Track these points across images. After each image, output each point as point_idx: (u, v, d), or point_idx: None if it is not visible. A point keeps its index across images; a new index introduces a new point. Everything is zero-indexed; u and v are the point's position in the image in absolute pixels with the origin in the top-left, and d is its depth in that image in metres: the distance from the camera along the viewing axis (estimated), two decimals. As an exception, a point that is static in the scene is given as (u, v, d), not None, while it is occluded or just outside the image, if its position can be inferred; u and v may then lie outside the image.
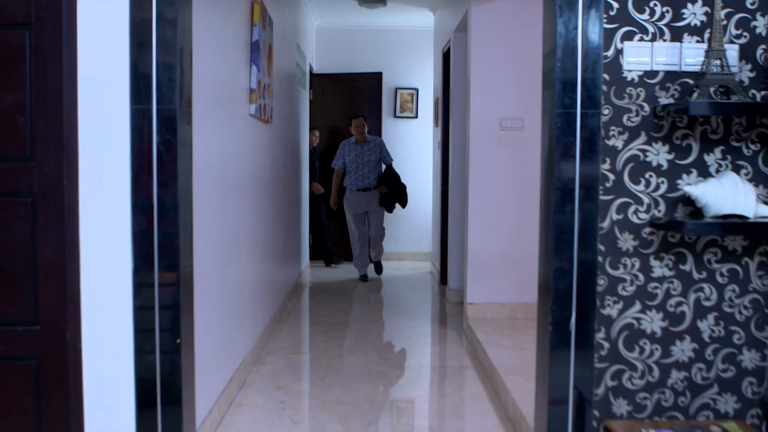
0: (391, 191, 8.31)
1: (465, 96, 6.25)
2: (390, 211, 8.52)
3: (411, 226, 10.01)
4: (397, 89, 9.94)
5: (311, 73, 9.33)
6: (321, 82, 9.51)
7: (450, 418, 4.27)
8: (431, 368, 5.26)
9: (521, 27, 5.67)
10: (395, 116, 9.95)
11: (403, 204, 8.47)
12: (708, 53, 2.45)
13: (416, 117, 9.97)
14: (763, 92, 2.48)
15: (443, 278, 7.89)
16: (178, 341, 2.59)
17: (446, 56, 7.60)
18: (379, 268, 8.87)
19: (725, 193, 2.42)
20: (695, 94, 2.44)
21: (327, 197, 9.13)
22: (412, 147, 9.91)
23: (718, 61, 2.42)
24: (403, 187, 8.39)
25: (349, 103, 9.53)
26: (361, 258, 8.55)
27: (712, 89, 2.46)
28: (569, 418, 2.59)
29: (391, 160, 8.44)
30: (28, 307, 2.64)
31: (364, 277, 8.60)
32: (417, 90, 9.94)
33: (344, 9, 8.98)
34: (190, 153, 2.71)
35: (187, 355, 2.75)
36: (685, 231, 2.39)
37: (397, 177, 8.38)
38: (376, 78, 9.60)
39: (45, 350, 2.66)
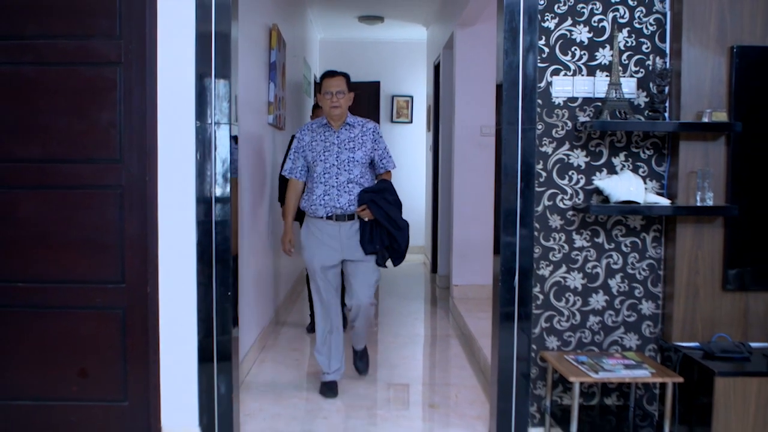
0: (380, 224, 4.41)
1: (451, 105, 7.19)
2: (382, 263, 4.55)
3: (406, 222, 10.90)
4: (393, 97, 10.88)
5: (315, 82, 10.25)
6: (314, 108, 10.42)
7: (436, 370, 5.26)
8: (422, 336, 6.23)
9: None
10: (392, 121, 10.88)
11: (397, 257, 4.54)
12: (609, 85, 3.40)
13: (411, 122, 10.90)
14: (650, 113, 3.43)
15: (434, 267, 8.81)
16: (229, 293, 3.54)
17: (437, 68, 8.52)
18: (361, 361, 4.92)
19: (621, 185, 3.36)
20: (602, 115, 3.39)
21: None
22: (407, 150, 10.79)
23: (614, 91, 3.38)
24: (405, 225, 4.48)
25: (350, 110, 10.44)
26: (326, 348, 4.60)
27: (616, 111, 3.40)
28: (514, 346, 3.55)
29: (393, 166, 4.60)
30: (117, 270, 3.58)
31: (329, 387, 4.54)
32: (412, 97, 10.88)
33: (345, 24, 9.89)
34: (237, 157, 3.65)
35: (234, 323, 3.66)
36: (591, 211, 3.34)
37: (396, 201, 4.49)
38: (374, 86, 10.51)
39: (129, 302, 3.59)
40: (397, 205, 4.47)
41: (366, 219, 4.39)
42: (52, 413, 3.62)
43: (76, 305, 3.60)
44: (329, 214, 4.39)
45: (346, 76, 4.59)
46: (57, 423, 3.62)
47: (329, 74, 4.57)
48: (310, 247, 4.50)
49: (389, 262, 4.58)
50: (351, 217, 4.41)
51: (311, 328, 5.93)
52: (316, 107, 5.68)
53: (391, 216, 4.38)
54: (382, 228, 4.40)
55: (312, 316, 5.87)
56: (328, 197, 4.39)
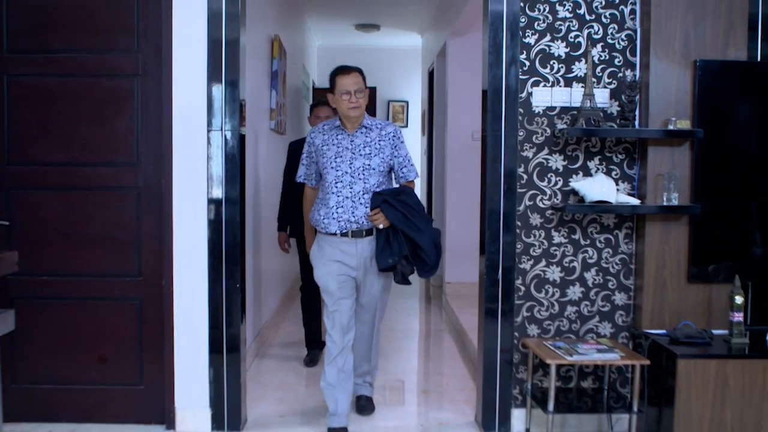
0: (397, 230, 3.82)
1: (444, 110, 7.52)
2: (404, 280, 3.87)
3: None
4: (389, 102, 11.23)
5: (313, 88, 10.57)
6: (322, 96, 10.74)
7: (430, 361, 5.60)
8: (417, 331, 6.56)
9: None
10: (388, 125, 11.19)
11: (425, 267, 3.88)
12: (584, 95, 3.74)
13: (407, 126, 11.22)
14: (621, 121, 3.77)
15: (429, 266, 9.11)
16: (237, 286, 3.86)
17: (431, 75, 8.84)
18: (365, 406, 4.28)
19: (594, 187, 3.69)
20: (577, 123, 3.73)
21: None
22: (403, 153, 11.12)
23: (588, 101, 3.71)
24: (428, 228, 3.89)
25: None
26: (337, 380, 3.93)
27: (590, 119, 3.74)
28: (498, 335, 3.88)
29: (416, 175, 4.07)
30: (134, 265, 3.91)
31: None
32: (407, 102, 11.22)
33: (342, 32, 10.23)
34: (244, 161, 3.97)
35: (242, 314, 3.97)
36: (567, 210, 3.68)
37: (416, 204, 3.92)
38: (370, 92, 10.80)
39: (146, 294, 3.92)
40: (418, 207, 3.89)
41: (381, 226, 3.82)
42: (73, 396, 3.96)
43: (97, 297, 3.94)
44: (344, 231, 3.85)
45: (360, 71, 4.07)
46: (78, 405, 3.96)
47: (344, 70, 4.04)
48: (322, 264, 3.94)
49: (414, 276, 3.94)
50: (369, 232, 3.87)
51: (310, 360, 5.29)
52: (316, 106, 5.39)
53: (408, 217, 3.81)
54: (399, 234, 3.81)
55: (309, 345, 5.40)
56: (341, 210, 3.84)
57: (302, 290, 5.35)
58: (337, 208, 3.84)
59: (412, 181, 4.06)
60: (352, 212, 3.83)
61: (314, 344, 5.34)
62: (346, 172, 3.86)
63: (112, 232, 3.91)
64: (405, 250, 3.81)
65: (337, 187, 3.85)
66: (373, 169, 3.88)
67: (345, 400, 3.93)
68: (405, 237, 3.81)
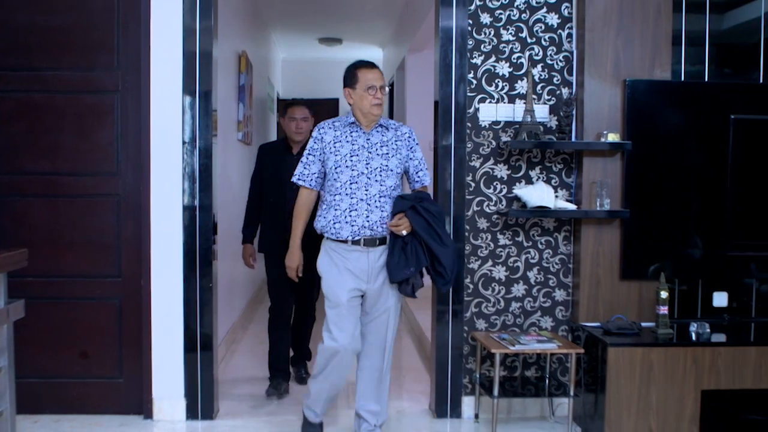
0: (417, 240, 3.56)
1: (404, 121, 7.89)
2: (412, 293, 3.67)
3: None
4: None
5: (278, 99, 10.88)
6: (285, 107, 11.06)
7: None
8: (376, 331, 6.91)
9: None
10: (350, 135, 11.52)
11: (443, 280, 3.66)
12: (525, 111, 4.14)
13: (368, 136, 11.56)
14: (559, 134, 4.17)
15: (390, 271, 9.44)
16: (210, 285, 4.20)
17: (392, 87, 9.23)
18: None
19: (535, 194, 4.09)
20: (519, 136, 4.12)
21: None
22: (364, 162, 11.45)
23: (529, 116, 4.11)
24: (451, 242, 3.74)
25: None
26: (329, 388, 3.82)
27: (531, 132, 4.13)
28: (449, 331, 4.26)
29: (429, 180, 3.89)
30: (114, 266, 4.22)
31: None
32: (369, 113, 11.55)
33: (306, 45, 10.55)
34: (214, 171, 4.30)
35: (214, 312, 4.31)
36: (510, 215, 4.09)
37: (439, 213, 3.68)
38: (333, 103, 11.19)
39: (125, 293, 4.23)
40: (441, 217, 3.66)
41: (404, 233, 3.53)
42: (57, 389, 4.25)
43: (79, 297, 4.24)
44: (356, 238, 3.57)
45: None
46: (62, 397, 4.25)
47: (368, 64, 3.73)
48: (333, 274, 3.64)
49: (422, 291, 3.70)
50: (382, 241, 3.61)
51: (274, 390, 4.75)
52: (290, 106, 5.14)
53: (433, 227, 3.57)
54: (419, 244, 3.55)
55: (272, 377, 4.86)
56: (355, 213, 3.56)
57: (271, 312, 4.96)
58: (350, 212, 3.57)
59: (426, 186, 3.85)
60: (367, 216, 3.56)
61: (280, 373, 4.81)
62: (362, 173, 3.58)
63: (94, 236, 4.22)
64: (424, 262, 3.57)
65: (351, 188, 3.57)
66: (391, 171, 3.62)
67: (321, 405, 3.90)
68: (425, 247, 3.57)
